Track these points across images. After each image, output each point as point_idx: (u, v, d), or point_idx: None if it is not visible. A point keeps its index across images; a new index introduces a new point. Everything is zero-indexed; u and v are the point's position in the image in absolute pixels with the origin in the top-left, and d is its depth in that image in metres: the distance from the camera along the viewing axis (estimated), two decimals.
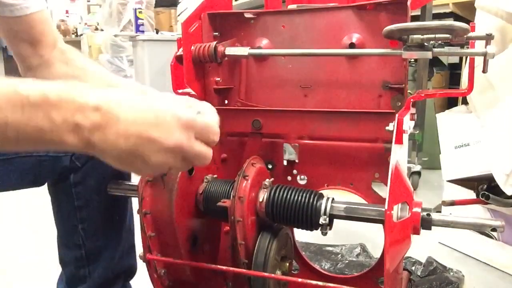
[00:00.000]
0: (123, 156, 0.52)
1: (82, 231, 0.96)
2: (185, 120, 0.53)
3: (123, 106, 0.51)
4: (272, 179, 0.86)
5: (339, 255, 1.51)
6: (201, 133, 0.55)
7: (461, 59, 2.50)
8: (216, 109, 0.92)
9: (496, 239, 1.48)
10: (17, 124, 0.48)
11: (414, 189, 2.11)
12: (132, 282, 1.08)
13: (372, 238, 1.61)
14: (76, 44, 5.75)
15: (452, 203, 1.41)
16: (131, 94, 0.53)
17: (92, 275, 1.00)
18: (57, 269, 1.07)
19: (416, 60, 2.13)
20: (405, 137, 0.74)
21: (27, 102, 0.48)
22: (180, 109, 0.54)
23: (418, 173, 2.20)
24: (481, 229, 1.44)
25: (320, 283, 0.74)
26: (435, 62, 2.54)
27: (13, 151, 0.52)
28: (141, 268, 1.02)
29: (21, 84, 0.49)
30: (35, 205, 2.09)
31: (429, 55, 0.78)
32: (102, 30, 4.96)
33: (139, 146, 0.51)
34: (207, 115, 0.58)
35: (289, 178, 1.02)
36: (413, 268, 1.38)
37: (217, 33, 1.01)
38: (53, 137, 0.49)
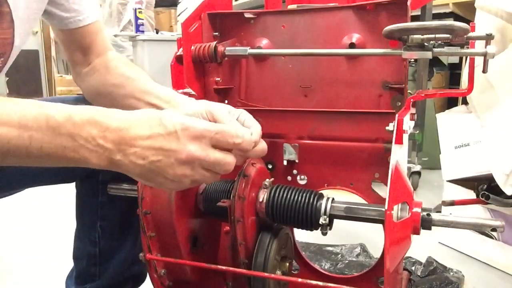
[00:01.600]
0: (144, 174, 0.56)
1: (100, 228, 0.99)
2: (195, 130, 0.55)
3: (140, 126, 0.54)
4: (272, 179, 0.86)
5: (339, 255, 1.51)
6: (217, 141, 0.57)
7: (461, 59, 2.50)
8: None
9: (496, 239, 1.48)
10: (40, 141, 0.51)
11: (414, 189, 2.11)
12: None
13: (372, 238, 1.61)
14: None
15: (452, 203, 1.41)
16: (148, 114, 0.56)
17: (102, 274, 1.01)
18: (65, 267, 1.08)
19: (416, 60, 2.13)
20: (405, 137, 0.74)
21: (53, 121, 0.51)
22: (190, 121, 0.56)
23: (418, 173, 2.20)
24: (481, 229, 1.44)
25: (320, 283, 0.74)
26: (435, 62, 2.54)
27: (36, 166, 0.55)
28: None
29: (47, 105, 0.52)
30: (41, 204, 2.09)
31: (429, 55, 0.78)
32: None
33: (156, 162, 0.54)
34: (224, 122, 0.61)
35: (289, 178, 1.02)
36: (413, 268, 1.38)
37: (217, 33, 1.01)
38: (76, 156, 0.53)
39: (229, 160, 0.58)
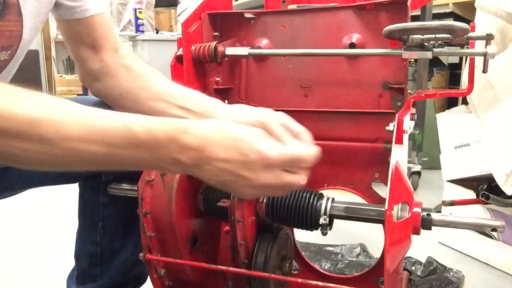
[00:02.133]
0: (218, 185, 0.60)
1: (102, 229, 0.98)
2: (270, 160, 0.58)
3: (216, 146, 0.57)
4: None
5: (339, 255, 1.51)
6: (289, 166, 0.60)
7: (461, 59, 2.49)
8: None
9: (496, 239, 1.48)
10: (124, 156, 0.55)
11: (414, 189, 2.11)
12: None
13: (372, 238, 1.60)
14: None
15: (452, 203, 1.41)
16: (222, 132, 0.58)
17: (103, 275, 1.01)
18: (66, 266, 1.08)
19: (416, 60, 2.13)
20: (405, 137, 0.74)
21: (136, 138, 0.54)
22: (265, 147, 0.58)
23: (418, 173, 2.20)
24: (481, 229, 1.44)
25: (320, 283, 0.74)
26: (435, 62, 2.54)
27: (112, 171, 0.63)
28: None
29: (130, 120, 0.55)
30: (42, 203, 2.09)
31: (429, 55, 0.78)
32: None
33: (231, 181, 0.58)
34: (294, 144, 0.65)
35: None
36: (413, 268, 1.38)
37: (217, 33, 1.01)
38: (156, 167, 0.59)
39: (300, 181, 0.61)
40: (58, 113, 0.53)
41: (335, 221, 0.79)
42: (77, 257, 1.04)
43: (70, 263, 1.07)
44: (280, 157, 0.58)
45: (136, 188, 0.81)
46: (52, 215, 2.01)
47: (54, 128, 0.51)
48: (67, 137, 0.52)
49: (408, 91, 0.91)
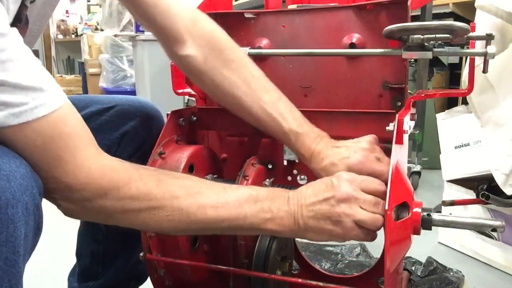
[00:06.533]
0: (316, 225, 0.67)
1: (104, 227, 0.97)
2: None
3: (308, 193, 0.68)
4: (272, 179, 0.86)
5: (339, 255, 1.51)
6: (365, 185, 0.67)
7: (461, 59, 2.49)
8: (216, 109, 0.93)
9: (496, 239, 1.48)
10: (251, 215, 0.67)
11: (414, 189, 2.11)
12: None
13: None
14: (76, 44, 5.74)
15: (452, 203, 1.41)
16: (312, 183, 0.70)
17: (105, 273, 1.01)
18: (67, 264, 1.08)
19: (416, 60, 2.13)
20: (405, 137, 0.74)
21: (257, 200, 0.68)
22: (338, 189, 0.66)
23: (418, 173, 2.20)
24: (481, 229, 1.44)
25: (320, 283, 0.74)
26: (435, 62, 2.54)
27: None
28: None
29: (251, 189, 0.70)
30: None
31: (429, 55, 0.78)
32: (102, 30, 4.96)
33: (321, 208, 0.66)
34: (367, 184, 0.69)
35: (289, 178, 1.02)
36: (413, 268, 1.38)
37: None
38: (273, 226, 0.68)
39: (374, 218, 0.65)
40: (193, 190, 0.66)
41: None
42: (79, 254, 1.04)
43: (71, 260, 1.07)
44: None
45: None
46: (54, 212, 2.01)
47: (190, 201, 0.65)
48: (202, 206, 0.65)
49: (408, 91, 0.91)
